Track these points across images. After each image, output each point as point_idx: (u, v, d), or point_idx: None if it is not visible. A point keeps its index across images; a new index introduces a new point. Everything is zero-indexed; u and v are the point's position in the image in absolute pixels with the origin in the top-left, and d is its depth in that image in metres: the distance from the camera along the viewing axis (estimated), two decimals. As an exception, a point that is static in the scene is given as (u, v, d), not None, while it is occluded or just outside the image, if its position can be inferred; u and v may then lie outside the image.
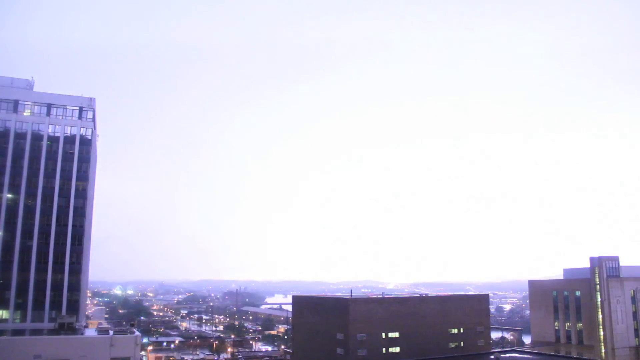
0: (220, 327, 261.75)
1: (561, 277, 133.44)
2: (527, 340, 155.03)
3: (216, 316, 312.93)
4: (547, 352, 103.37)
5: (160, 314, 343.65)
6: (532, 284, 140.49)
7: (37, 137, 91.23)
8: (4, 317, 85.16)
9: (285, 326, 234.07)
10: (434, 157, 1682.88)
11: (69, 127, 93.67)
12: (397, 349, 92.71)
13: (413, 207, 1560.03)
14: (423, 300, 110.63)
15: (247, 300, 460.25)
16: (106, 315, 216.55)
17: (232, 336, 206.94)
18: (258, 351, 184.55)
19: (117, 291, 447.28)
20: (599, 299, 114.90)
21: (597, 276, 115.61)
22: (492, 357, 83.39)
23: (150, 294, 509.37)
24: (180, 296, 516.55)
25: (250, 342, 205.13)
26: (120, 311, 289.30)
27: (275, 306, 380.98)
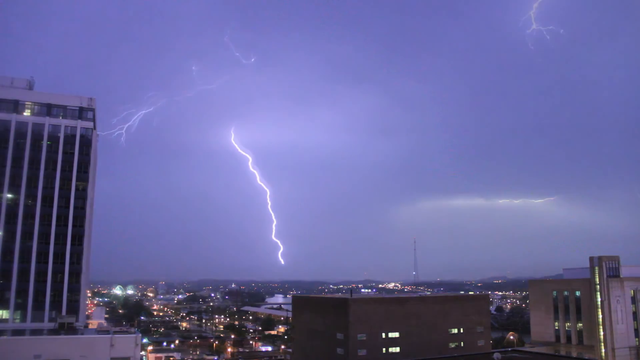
0: (221, 327, 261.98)
1: (561, 277, 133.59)
2: (527, 340, 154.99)
3: (216, 316, 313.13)
4: (547, 352, 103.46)
5: (160, 314, 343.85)
6: (532, 284, 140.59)
7: (37, 137, 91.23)
8: (4, 317, 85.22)
9: (285, 326, 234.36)
10: (433, 157, 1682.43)
11: (69, 127, 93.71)
12: (397, 349, 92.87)
13: (413, 206, 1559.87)
14: (423, 300, 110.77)
15: (247, 300, 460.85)
16: (106, 315, 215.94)
17: (232, 336, 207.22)
18: (258, 351, 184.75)
19: (117, 291, 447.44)
20: (599, 299, 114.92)
21: (597, 276, 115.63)
22: (492, 357, 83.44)
23: (150, 294, 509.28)
24: (180, 296, 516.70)
25: (250, 342, 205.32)
26: (120, 311, 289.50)
27: (275, 306, 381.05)
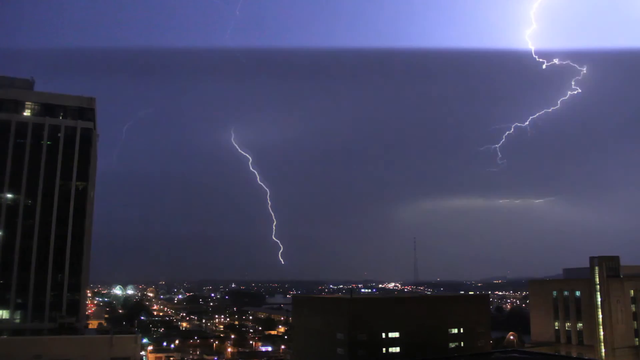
0: (221, 327, 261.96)
1: (561, 277, 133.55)
2: (527, 340, 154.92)
3: (216, 316, 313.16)
4: (547, 352, 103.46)
5: (160, 314, 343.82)
6: (532, 284, 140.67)
7: (37, 137, 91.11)
8: (4, 317, 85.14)
9: (286, 326, 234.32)
10: (434, 158, 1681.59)
11: (69, 127, 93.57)
12: (397, 349, 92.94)
13: (412, 206, 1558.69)
14: (423, 300, 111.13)
15: (247, 300, 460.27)
16: (106, 315, 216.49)
17: (232, 336, 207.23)
18: (258, 351, 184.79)
19: (117, 291, 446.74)
20: (599, 299, 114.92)
21: (597, 276, 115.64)
22: (492, 357, 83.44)
23: (151, 294, 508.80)
24: (180, 296, 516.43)
25: (250, 342, 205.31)
26: (120, 311, 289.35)
27: (275, 306, 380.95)
